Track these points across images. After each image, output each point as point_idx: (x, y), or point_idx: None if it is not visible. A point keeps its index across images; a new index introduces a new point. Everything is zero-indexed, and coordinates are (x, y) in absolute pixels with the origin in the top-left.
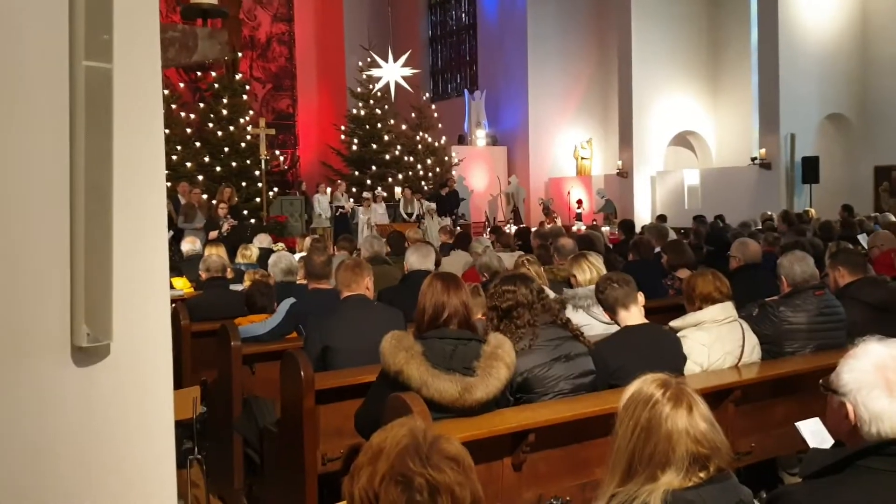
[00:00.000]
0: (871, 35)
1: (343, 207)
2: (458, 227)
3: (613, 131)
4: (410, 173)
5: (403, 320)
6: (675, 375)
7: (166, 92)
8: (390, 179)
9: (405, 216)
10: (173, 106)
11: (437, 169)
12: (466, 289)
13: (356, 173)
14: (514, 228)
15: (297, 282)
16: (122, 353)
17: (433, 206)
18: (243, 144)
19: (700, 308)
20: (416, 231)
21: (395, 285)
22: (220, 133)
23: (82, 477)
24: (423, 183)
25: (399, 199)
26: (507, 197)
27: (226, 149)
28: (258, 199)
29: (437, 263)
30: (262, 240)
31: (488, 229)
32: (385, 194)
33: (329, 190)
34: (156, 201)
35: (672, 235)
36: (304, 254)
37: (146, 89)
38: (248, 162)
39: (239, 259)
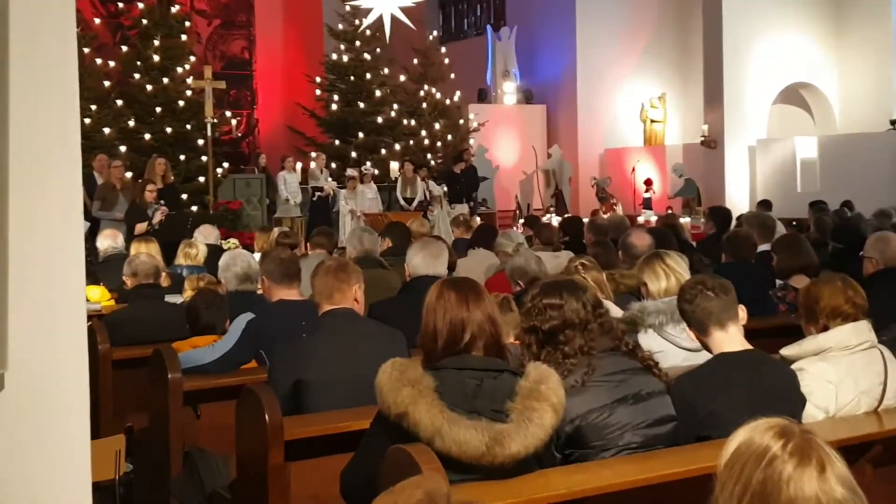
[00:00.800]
0: None
1: (320, 190)
2: (479, 218)
3: (696, 84)
4: (412, 142)
5: (406, 344)
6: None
7: (77, 30)
8: (384, 151)
9: (404, 202)
10: (86, 50)
11: (449, 137)
12: (492, 300)
13: (337, 143)
14: (556, 219)
15: (258, 291)
16: (19, 387)
17: (444, 188)
18: (182, 103)
19: (825, 329)
20: (420, 223)
21: (393, 297)
22: (149, 87)
23: None
24: (429, 156)
25: (396, 179)
26: (547, 175)
27: (157, 109)
28: (202, 179)
29: (451, 267)
30: (209, 234)
31: (520, 220)
32: (377, 172)
33: (300, 166)
34: (68, 182)
35: (781, 229)
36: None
37: (56, 19)
38: (189, 127)
39: (179, 260)
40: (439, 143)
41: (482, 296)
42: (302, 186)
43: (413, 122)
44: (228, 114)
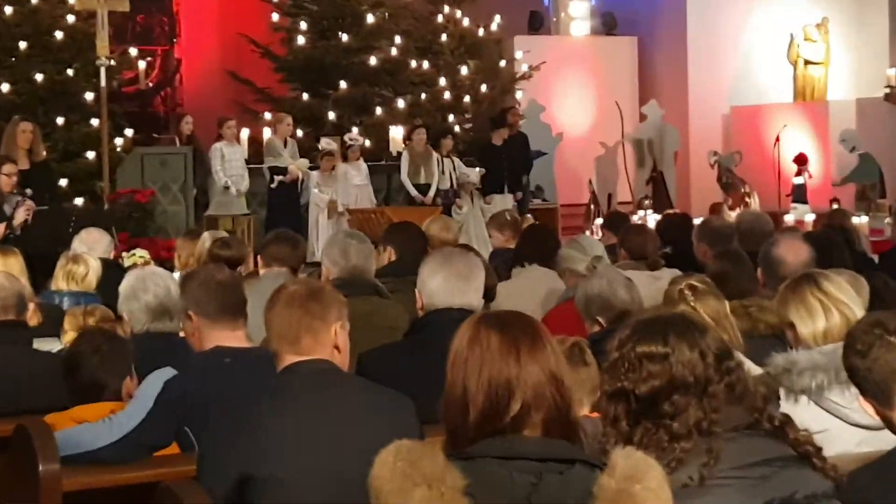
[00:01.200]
0: None
1: (281, 172)
2: (531, 217)
3: (878, 5)
4: (425, 97)
5: (416, 418)
6: None
7: None
8: (380, 111)
9: (415, 192)
10: None
11: (484, 87)
12: (556, 348)
13: (305, 97)
14: (654, 218)
15: (180, 333)
16: None
17: (476, 171)
18: (59, 35)
19: None
20: (442, 224)
21: (396, 342)
22: (7, 9)
23: None
24: (451, 119)
25: (401, 155)
26: (639, 149)
27: (21, 44)
28: (91, 155)
29: (490, 294)
30: (99, 243)
31: (597, 220)
32: (368, 143)
33: (246, 134)
34: None
35: None
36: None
37: None
38: (71, 73)
39: (57, 284)
40: (468, 98)
41: (540, 340)
42: (251, 166)
43: (426, 65)
44: (134, 52)
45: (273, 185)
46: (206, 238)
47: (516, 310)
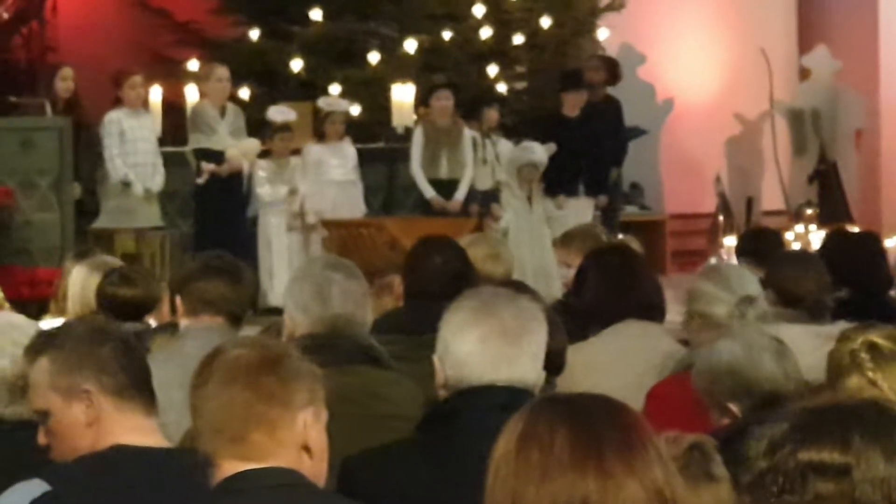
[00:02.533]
0: None
1: (215, 159)
2: (623, 235)
3: None
4: (449, 36)
5: None
6: None
7: None
8: (375, 58)
9: (429, 192)
10: None
11: (547, 22)
12: (662, 452)
13: (254, 36)
14: (817, 237)
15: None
16: None
17: (542, 148)
18: None
19: None
20: (485, 247)
21: (402, 442)
22: None
23: None
24: (494, 72)
25: (409, 132)
26: (798, 126)
27: None
28: None
29: (555, 364)
30: None
31: (728, 240)
32: (356, 111)
33: (158, 97)
34: None
35: None
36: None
37: None
38: None
39: None
40: (520, 39)
41: (637, 440)
42: (167, 150)
43: None
44: None
45: (200, 181)
46: (86, 269)
47: (597, 391)
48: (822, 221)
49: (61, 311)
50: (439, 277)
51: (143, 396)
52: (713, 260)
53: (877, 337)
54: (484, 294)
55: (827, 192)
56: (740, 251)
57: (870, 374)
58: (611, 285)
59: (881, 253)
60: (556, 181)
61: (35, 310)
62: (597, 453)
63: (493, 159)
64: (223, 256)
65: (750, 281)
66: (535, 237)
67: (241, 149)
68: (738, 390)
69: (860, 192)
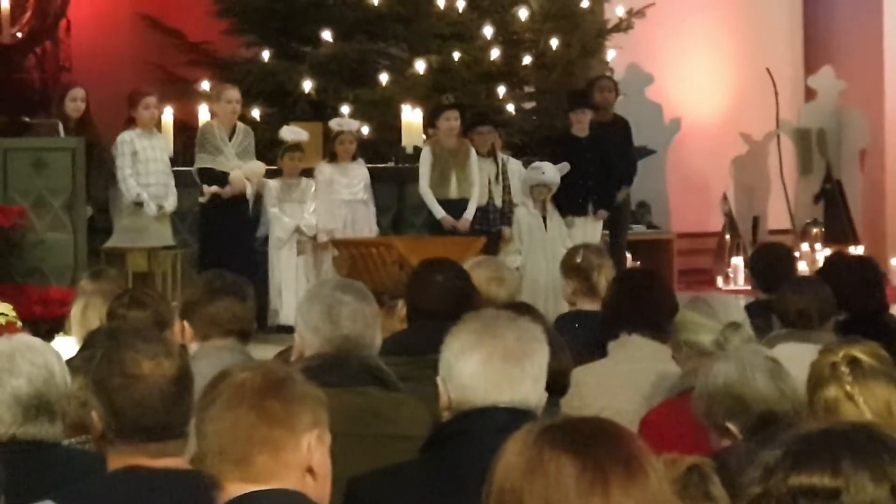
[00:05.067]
0: None
1: (221, 180)
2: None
3: None
4: (458, 56)
5: None
6: None
7: None
8: (385, 79)
9: (439, 212)
10: None
11: (555, 43)
12: (662, 475)
13: (266, 57)
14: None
15: (67, 441)
16: None
17: (554, 168)
18: None
19: None
20: (489, 269)
21: (407, 464)
22: None
23: None
24: (502, 92)
25: (419, 152)
26: (804, 145)
27: None
28: None
29: (559, 385)
30: None
31: (736, 259)
32: (366, 130)
33: (170, 117)
34: None
35: None
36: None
37: None
38: None
39: None
40: (528, 59)
41: (639, 467)
42: (179, 170)
43: (462, 6)
44: None
45: (202, 200)
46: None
47: (600, 415)
48: (827, 240)
49: (77, 334)
50: (442, 298)
51: (154, 440)
52: (720, 279)
53: (859, 352)
54: (486, 316)
55: (832, 211)
56: (754, 271)
57: (847, 387)
58: (619, 303)
59: (879, 277)
60: (565, 200)
61: (47, 329)
62: (602, 482)
63: (500, 177)
64: (224, 276)
65: (734, 308)
66: (550, 256)
67: (245, 171)
68: (735, 410)
69: (865, 211)
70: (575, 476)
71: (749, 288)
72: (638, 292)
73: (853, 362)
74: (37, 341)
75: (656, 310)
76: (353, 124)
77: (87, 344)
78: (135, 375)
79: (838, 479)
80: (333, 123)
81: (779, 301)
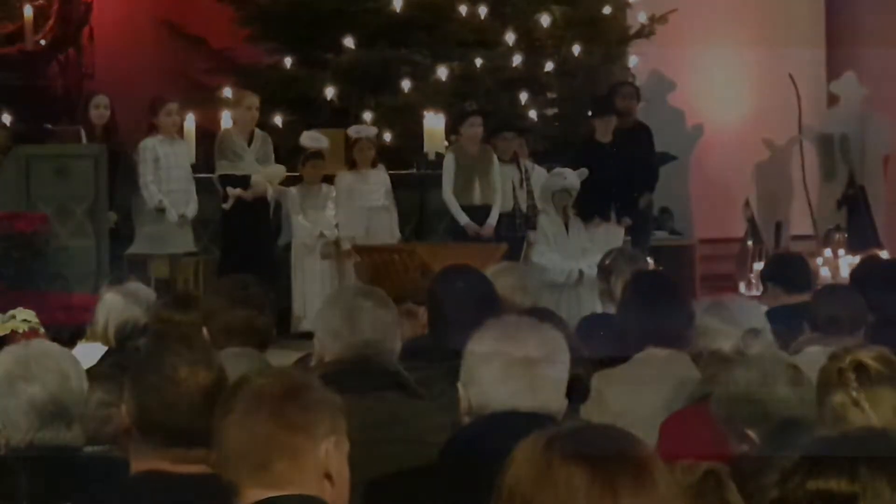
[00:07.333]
0: None
1: (243, 184)
2: (653, 260)
3: None
4: (481, 62)
5: None
6: None
7: None
8: (407, 86)
9: (463, 218)
10: None
11: (577, 49)
12: (672, 486)
13: (289, 63)
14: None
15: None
16: None
17: (574, 174)
18: None
19: None
20: (512, 276)
21: (426, 468)
22: None
23: None
24: (524, 99)
25: (441, 158)
26: (826, 150)
27: None
28: None
29: (577, 391)
30: None
31: (758, 265)
32: (388, 138)
33: (191, 124)
34: None
35: None
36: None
37: None
38: None
39: None
40: (550, 65)
41: (649, 477)
42: (201, 177)
43: (484, 12)
44: None
45: (226, 206)
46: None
47: (620, 421)
48: (850, 246)
49: (96, 337)
50: (464, 304)
51: (181, 445)
52: (742, 285)
53: (866, 357)
54: (507, 322)
55: (855, 216)
56: (769, 277)
57: (854, 393)
58: (637, 309)
59: None
60: (588, 206)
61: (70, 335)
62: (611, 494)
63: (523, 183)
64: (246, 285)
65: (755, 312)
66: (572, 262)
67: (265, 174)
68: (755, 416)
69: (888, 216)
70: (585, 487)
71: (763, 291)
72: (654, 296)
73: (859, 368)
74: (52, 346)
75: (673, 312)
76: (371, 131)
77: (116, 349)
78: (169, 378)
79: (855, 484)
80: (351, 131)
81: (811, 306)
